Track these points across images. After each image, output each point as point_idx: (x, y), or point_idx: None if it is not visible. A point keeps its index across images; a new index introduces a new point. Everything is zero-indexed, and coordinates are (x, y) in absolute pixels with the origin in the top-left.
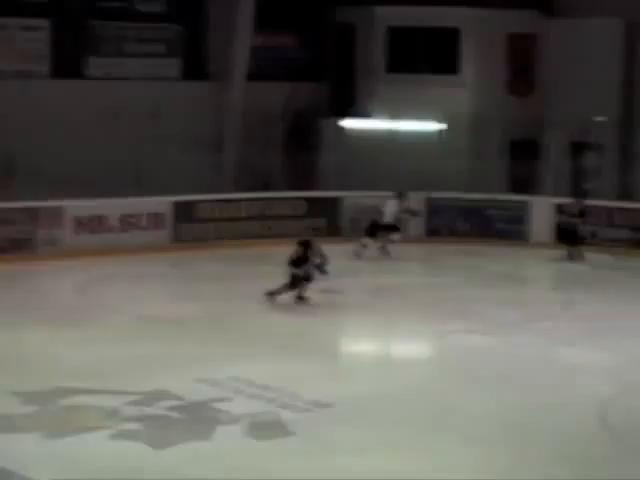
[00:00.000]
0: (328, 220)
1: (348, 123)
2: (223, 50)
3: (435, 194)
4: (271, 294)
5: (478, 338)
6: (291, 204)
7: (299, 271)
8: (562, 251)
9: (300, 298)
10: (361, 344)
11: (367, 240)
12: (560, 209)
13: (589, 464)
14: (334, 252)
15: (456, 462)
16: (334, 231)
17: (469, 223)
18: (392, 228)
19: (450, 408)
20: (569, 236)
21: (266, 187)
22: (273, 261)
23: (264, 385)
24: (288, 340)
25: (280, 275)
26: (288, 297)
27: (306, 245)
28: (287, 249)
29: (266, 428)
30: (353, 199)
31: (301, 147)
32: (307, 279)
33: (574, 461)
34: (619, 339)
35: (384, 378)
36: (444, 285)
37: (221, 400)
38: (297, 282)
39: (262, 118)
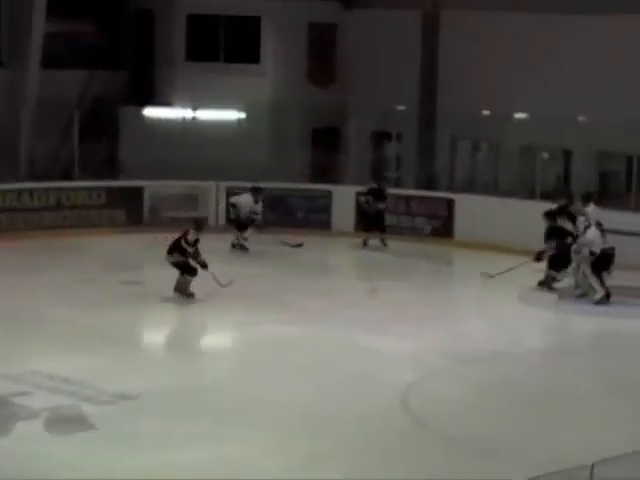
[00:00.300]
0: (128, 210)
1: (148, 111)
2: (17, 37)
3: (237, 183)
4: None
5: (285, 328)
6: (90, 194)
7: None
8: (370, 238)
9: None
10: (167, 336)
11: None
12: (364, 194)
13: (392, 448)
14: (135, 242)
15: (262, 450)
16: (134, 221)
17: (271, 212)
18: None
19: (257, 397)
20: (373, 222)
21: (65, 176)
22: (70, 252)
23: (64, 378)
24: (90, 333)
25: (75, 265)
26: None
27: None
28: (85, 239)
29: (67, 422)
30: (154, 188)
31: (100, 135)
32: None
33: (377, 445)
34: (420, 326)
35: (191, 370)
36: (251, 275)
37: (21, 395)
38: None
39: (58, 106)
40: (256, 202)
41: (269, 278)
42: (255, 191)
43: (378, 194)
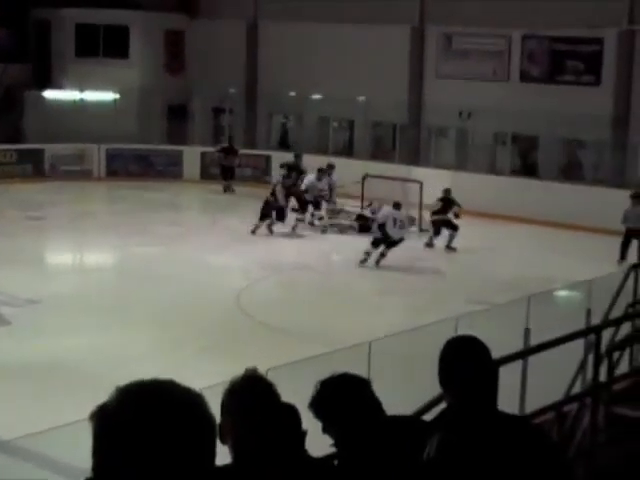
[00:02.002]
0: (33, 165)
1: (47, 94)
2: None
3: (114, 145)
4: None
5: (149, 249)
6: (4, 154)
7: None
8: (230, 185)
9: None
10: (63, 256)
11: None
12: (219, 152)
13: (230, 338)
14: (39, 189)
15: (136, 338)
16: (38, 173)
17: (138, 166)
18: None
19: (129, 299)
20: (227, 172)
21: None
22: None
23: None
24: (4, 254)
25: None
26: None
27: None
28: (2, 187)
29: None
30: (52, 149)
31: (11, 112)
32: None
33: (221, 331)
34: (245, 247)
35: (80, 281)
36: (123, 211)
37: None
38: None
39: None
40: (319, 180)
41: (135, 212)
42: (320, 171)
43: (230, 151)
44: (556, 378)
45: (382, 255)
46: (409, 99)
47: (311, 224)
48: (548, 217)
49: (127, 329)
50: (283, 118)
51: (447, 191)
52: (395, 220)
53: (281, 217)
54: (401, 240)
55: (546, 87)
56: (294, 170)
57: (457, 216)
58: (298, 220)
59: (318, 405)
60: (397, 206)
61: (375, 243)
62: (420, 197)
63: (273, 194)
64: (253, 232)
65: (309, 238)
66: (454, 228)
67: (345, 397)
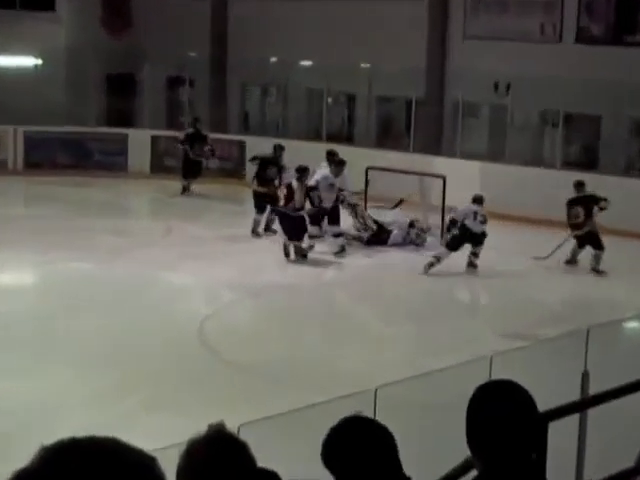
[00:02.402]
0: None
1: None
2: None
3: (35, 128)
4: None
5: (83, 266)
6: None
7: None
8: (182, 184)
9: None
10: None
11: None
12: (183, 142)
13: (191, 376)
14: None
15: (63, 383)
16: None
17: (69, 155)
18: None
19: (57, 332)
20: (192, 168)
21: None
22: None
23: None
24: None
25: None
26: None
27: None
28: None
29: None
30: None
31: None
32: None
33: (177, 374)
34: (210, 263)
35: None
36: (48, 216)
37: None
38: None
39: None
40: (336, 176)
41: (63, 217)
42: (338, 163)
43: (196, 138)
44: (625, 438)
45: (474, 255)
46: (428, 67)
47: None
48: (612, 224)
49: (52, 372)
50: (262, 92)
51: (580, 185)
52: (475, 214)
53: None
54: (484, 235)
55: (611, 50)
56: (271, 166)
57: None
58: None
59: (329, 456)
60: (478, 201)
61: (452, 245)
62: (443, 197)
63: (290, 198)
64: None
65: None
66: (599, 246)
67: (363, 444)
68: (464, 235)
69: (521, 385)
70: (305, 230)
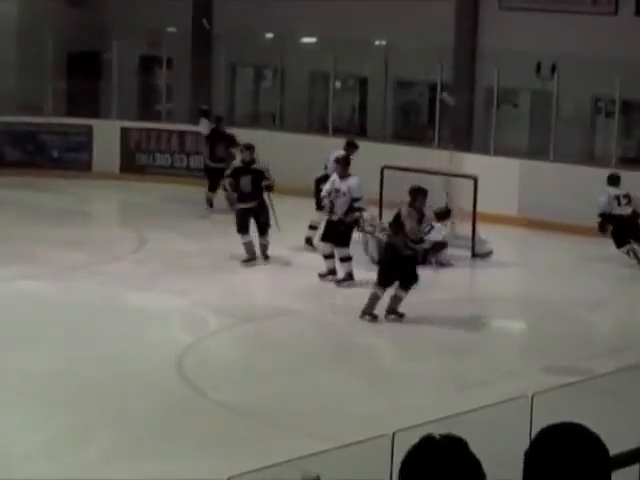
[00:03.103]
0: None
1: None
2: None
3: None
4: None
5: (37, 284)
6: None
7: None
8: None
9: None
10: None
11: None
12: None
13: (164, 421)
14: None
15: (10, 428)
16: None
17: (20, 151)
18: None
19: (7, 366)
20: (217, 175)
21: None
22: None
23: None
24: None
25: None
26: None
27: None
28: None
29: None
30: None
31: None
32: None
33: (151, 417)
34: (192, 282)
35: None
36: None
37: None
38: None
39: None
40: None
41: (12, 225)
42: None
43: (219, 137)
44: None
45: None
46: (456, 44)
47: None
48: None
49: (3, 411)
50: (255, 74)
51: None
52: (618, 198)
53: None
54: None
55: None
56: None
57: None
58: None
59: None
60: (613, 181)
61: (619, 240)
62: (474, 200)
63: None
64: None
65: (298, 266)
66: None
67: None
68: (622, 225)
69: (592, 431)
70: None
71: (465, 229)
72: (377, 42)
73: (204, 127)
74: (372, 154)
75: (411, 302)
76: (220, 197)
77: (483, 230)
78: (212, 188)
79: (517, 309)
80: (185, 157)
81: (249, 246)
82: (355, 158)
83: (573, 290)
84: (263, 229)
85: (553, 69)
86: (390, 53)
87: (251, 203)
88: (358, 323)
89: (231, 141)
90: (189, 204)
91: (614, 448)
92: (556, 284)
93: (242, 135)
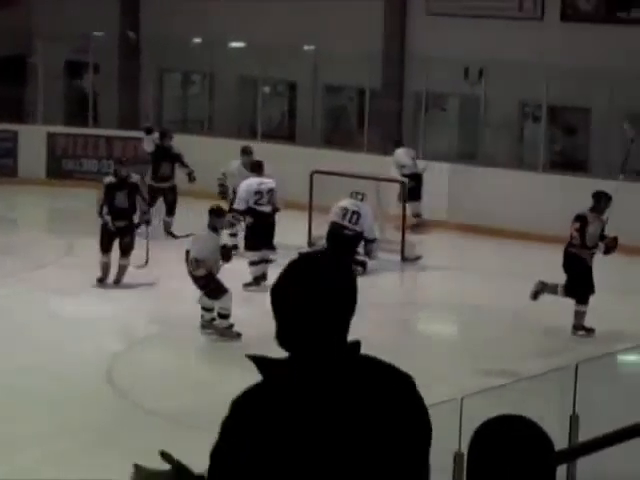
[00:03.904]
0: None
1: None
2: None
3: None
4: None
5: None
6: None
7: None
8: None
9: None
10: None
11: None
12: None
13: (100, 431)
14: None
15: None
16: None
17: None
18: None
19: None
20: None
21: None
22: None
23: None
24: None
25: None
26: None
27: None
28: None
29: None
30: None
31: None
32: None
33: (84, 421)
34: (122, 289)
35: None
36: None
37: None
38: None
39: None
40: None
41: None
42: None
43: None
44: None
45: None
46: (384, 50)
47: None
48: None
49: None
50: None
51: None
52: None
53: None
54: None
55: (604, 30)
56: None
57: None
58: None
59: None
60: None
61: None
62: (403, 206)
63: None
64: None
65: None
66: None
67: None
68: None
69: (536, 423)
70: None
71: (395, 234)
72: (306, 47)
73: (148, 145)
74: (301, 159)
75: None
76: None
77: (412, 234)
78: (151, 206)
79: (447, 313)
80: (112, 163)
81: (104, 265)
82: (282, 163)
83: (502, 293)
84: (126, 250)
85: (481, 74)
86: (319, 58)
87: (123, 222)
88: None
89: (176, 159)
90: None
91: None
92: (485, 288)
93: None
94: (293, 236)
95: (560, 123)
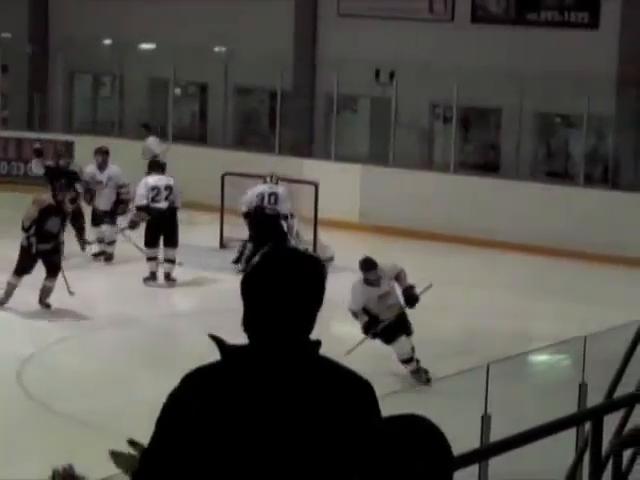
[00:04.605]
0: None
1: None
2: None
3: None
4: None
5: None
6: None
7: None
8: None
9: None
10: None
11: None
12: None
13: (10, 434)
14: None
15: None
16: None
17: None
18: None
19: None
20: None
21: None
22: None
23: None
24: None
25: None
26: None
27: None
28: None
29: None
30: None
31: None
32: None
33: None
34: (30, 290)
35: None
36: None
37: None
38: None
39: None
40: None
41: None
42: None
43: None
44: None
45: None
46: (296, 51)
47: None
48: (518, 238)
49: None
50: (92, 82)
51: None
52: None
53: None
54: None
55: (513, 31)
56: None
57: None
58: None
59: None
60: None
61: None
62: (315, 207)
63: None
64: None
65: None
66: None
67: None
68: None
69: (433, 422)
70: None
71: (307, 234)
72: (217, 48)
73: (37, 167)
74: (213, 161)
75: None
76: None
77: (325, 236)
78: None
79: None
80: (23, 165)
81: (11, 288)
82: (192, 164)
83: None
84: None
85: (392, 76)
86: (230, 60)
87: (49, 244)
88: (198, 327)
89: (73, 178)
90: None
91: (454, 449)
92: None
93: (82, 141)
94: (205, 237)
95: (471, 124)
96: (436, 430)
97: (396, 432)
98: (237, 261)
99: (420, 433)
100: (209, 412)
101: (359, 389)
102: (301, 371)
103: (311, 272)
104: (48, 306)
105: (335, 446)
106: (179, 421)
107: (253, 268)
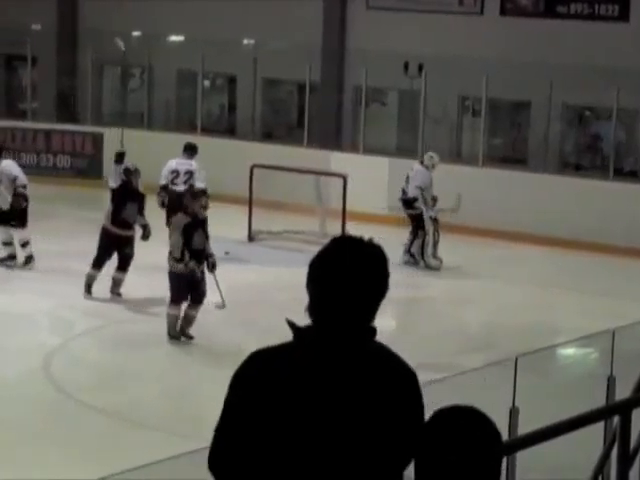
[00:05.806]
0: None
1: None
2: None
3: None
4: None
5: None
6: None
7: None
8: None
9: None
10: None
11: None
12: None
13: (38, 426)
14: None
15: None
16: None
17: None
18: None
19: None
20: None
21: None
22: None
23: None
24: None
25: None
26: None
27: None
28: None
29: None
30: None
31: None
32: None
33: (22, 416)
34: (56, 282)
35: None
36: None
37: None
38: None
39: None
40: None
41: None
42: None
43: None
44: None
45: None
46: (324, 43)
47: None
48: (545, 231)
49: None
50: (122, 72)
51: None
52: None
53: None
54: None
55: (542, 24)
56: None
57: None
58: None
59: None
60: None
61: None
62: (343, 199)
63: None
64: None
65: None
66: None
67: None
68: None
69: (486, 414)
70: None
71: (335, 227)
72: (246, 41)
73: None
74: (241, 153)
75: (280, 299)
76: None
77: (352, 228)
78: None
79: (388, 307)
80: (52, 156)
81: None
82: (221, 156)
83: (442, 288)
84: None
85: (420, 68)
86: (259, 52)
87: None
88: (221, 319)
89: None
90: (54, 204)
91: None
92: (421, 281)
93: (110, 133)
94: (233, 230)
95: (500, 117)
96: (484, 418)
97: (445, 424)
98: None
99: (465, 424)
100: (276, 390)
101: (408, 377)
102: (362, 356)
103: (381, 262)
104: (119, 294)
105: (387, 424)
106: (246, 399)
107: (321, 253)
